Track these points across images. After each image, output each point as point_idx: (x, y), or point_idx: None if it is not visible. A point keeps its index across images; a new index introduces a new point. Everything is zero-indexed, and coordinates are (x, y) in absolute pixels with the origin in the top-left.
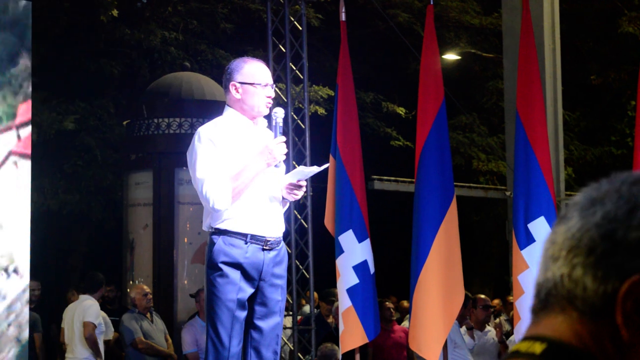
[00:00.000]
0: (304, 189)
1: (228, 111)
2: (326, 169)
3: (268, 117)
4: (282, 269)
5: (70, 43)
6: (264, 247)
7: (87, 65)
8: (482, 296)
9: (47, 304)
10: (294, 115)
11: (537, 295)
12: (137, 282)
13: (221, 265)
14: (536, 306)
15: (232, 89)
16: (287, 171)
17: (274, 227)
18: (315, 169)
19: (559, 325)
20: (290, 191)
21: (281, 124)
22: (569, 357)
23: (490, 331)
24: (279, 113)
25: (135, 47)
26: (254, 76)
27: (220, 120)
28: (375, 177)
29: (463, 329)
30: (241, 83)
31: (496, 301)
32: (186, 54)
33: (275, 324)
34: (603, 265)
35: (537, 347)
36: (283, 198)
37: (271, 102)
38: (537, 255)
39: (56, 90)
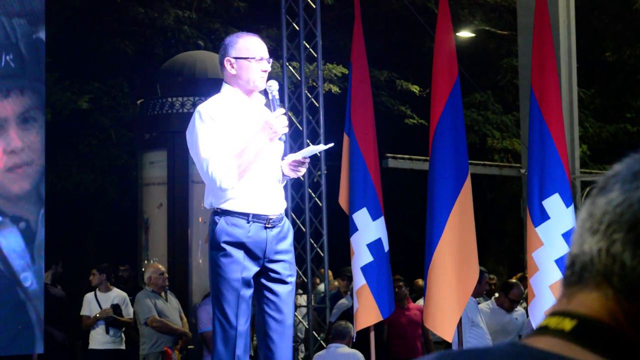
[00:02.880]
0: (307, 165)
1: (225, 87)
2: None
3: (265, 93)
4: (286, 244)
5: (83, 23)
6: (266, 226)
7: (101, 45)
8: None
9: (62, 283)
10: (308, 94)
11: (570, 266)
12: (151, 261)
13: (224, 245)
14: (569, 278)
15: (227, 64)
16: (287, 145)
17: (276, 204)
18: (321, 147)
19: (592, 302)
20: (294, 167)
21: (277, 97)
22: (601, 335)
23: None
24: (274, 86)
25: (148, 26)
26: (247, 50)
27: (218, 97)
28: (389, 155)
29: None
30: (235, 58)
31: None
32: (200, 32)
33: (286, 295)
34: None
35: (567, 324)
36: (283, 175)
37: (266, 76)
38: (552, 232)
39: (70, 70)
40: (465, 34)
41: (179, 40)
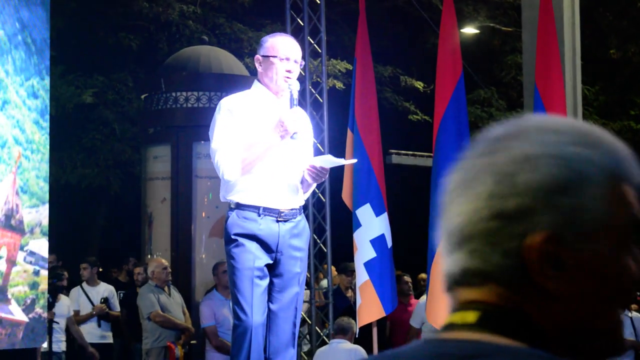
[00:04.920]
0: (326, 175)
1: (255, 85)
2: (343, 143)
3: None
4: (301, 242)
5: (88, 17)
6: (279, 219)
7: (106, 39)
8: None
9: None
10: (312, 89)
11: (450, 275)
12: (155, 255)
13: (236, 237)
14: (457, 281)
15: (256, 63)
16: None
17: (288, 198)
18: (343, 161)
19: (485, 294)
20: (312, 174)
21: (296, 96)
22: (506, 318)
23: None
24: (294, 85)
25: (153, 21)
26: (273, 49)
27: (244, 92)
28: (393, 151)
29: None
30: (263, 56)
31: None
32: (204, 27)
33: (293, 296)
34: (501, 240)
35: (470, 316)
36: (304, 179)
37: (290, 76)
38: None
39: (74, 64)
40: (469, 30)
41: (184, 35)
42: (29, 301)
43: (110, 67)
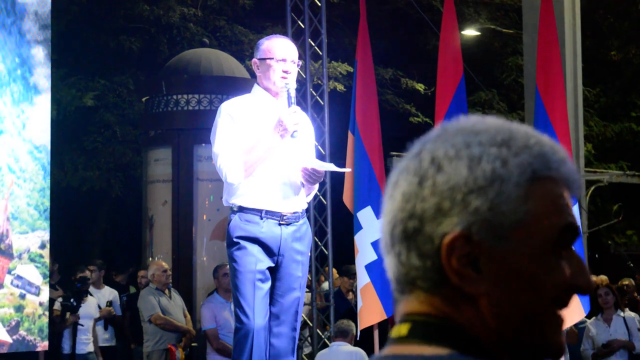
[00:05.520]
0: (320, 179)
1: (255, 88)
2: (344, 146)
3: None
4: (303, 245)
5: (89, 20)
6: (281, 222)
7: (107, 42)
8: None
9: (67, 280)
10: (313, 92)
11: (392, 283)
12: (156, 258)
13: (238, 240)
14: (395, 293)
15: (254, 67)
16: (313, 147)
17: (291, 202)
18: (335, 168)
19: (416, 304)
20: (305, 175)
21: (293, 95)
22: (432, 328)
23: None
24: (291, 84)
25: (154, 24)
26: (269, 51)
27: (244, 96)
28: (394, 153)
29: None
30: (259, 59)
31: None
32: (205, 30)
33: (294, 299)
34: (418, 242)
35: (403, 329)
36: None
37: (286, 76)
38: None
39: (75, 67)
40: (470, 32)
41: (185, 37)
42: (13, 323)
43: (111, 70)
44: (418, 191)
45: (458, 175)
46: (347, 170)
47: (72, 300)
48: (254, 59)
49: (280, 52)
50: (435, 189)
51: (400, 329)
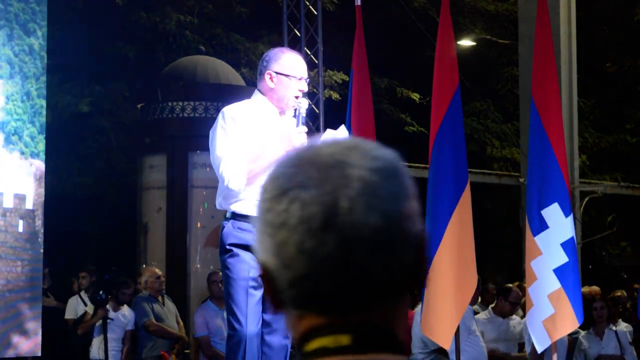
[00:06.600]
0: None
1: (257, 96)
2: None
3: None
4: None
5: (85, 26)
6: None
7: (102, 49)
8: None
9: (59, 286)
10: (309, 100)
11: None
12: (150, 265)
13: (230, 247)
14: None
15: (267, 77)
16: None
17: None
18: None
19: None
20: None
21: (304, 115)
22: (377, 333)
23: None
24: (303, 103)
25: (150, 31)
26: (292, 68)
27: (246, 102)
28: None
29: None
30: (277, 73)
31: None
32: (201, 37)
33: None
34: None
35: (344, 339)
36: None
37: (300, 95)
38: (551, 241)
39: (71, 73)
40: (466, 42)
41: (181, 45)
42: None
43: (106, 77)
44: None
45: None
46: None
47: (101, 292)
48: (269, 71)
49: (300, 70)
50: None
51: (339, 339)
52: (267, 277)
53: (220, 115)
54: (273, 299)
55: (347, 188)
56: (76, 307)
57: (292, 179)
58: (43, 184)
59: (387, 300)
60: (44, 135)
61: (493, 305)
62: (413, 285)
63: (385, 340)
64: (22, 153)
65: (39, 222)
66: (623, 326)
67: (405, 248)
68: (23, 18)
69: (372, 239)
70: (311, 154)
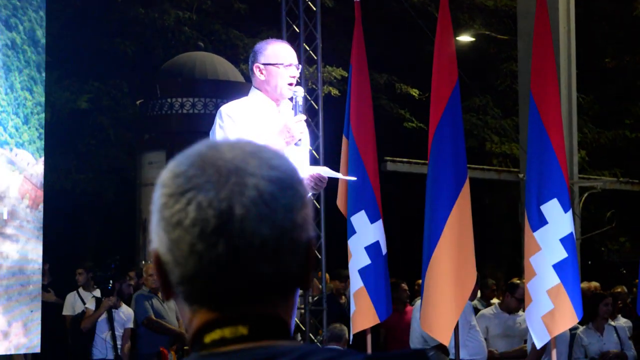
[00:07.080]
0: (324, 185)
1: (253, 92)
2: (338, 150)
3: (290, 98)
4: None
5: (84, 22)
6: None
7: (101, 45)
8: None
9: (59, 283)
10: (307, 96)
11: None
12: (149, 261)
13: None
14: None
15: (256, 71)
16: (310, 153)
17: None
18: (339, 175)
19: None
20: (311, 182)
21: (301, 103)
22: (271, 323)
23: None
24: (299, 92)
25: (149, 27)
26: (277, 56)
27: (243, 100)
28: (388, 158)
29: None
30: (264, 64)
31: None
32: (200, 34)
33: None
34: None
35: (242, 329)
36: None
37: (294, 82)
38: (550, 237)
39: (70, 70)
40: (465, 38)
41: (179, 41)
42: None
43: (105, 73)
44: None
45: None
46: (352, 178)
47: (111, 282)
48: (257, 64)
49: (287, 57)
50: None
51: (237, 330)
52: (160, 268)
53: (217, 115)
54: (164, 289)
55: (243, 196)
56: (74, 303)
57: (191, 179)
58: (31, 176)
59: (277, 295)
60: (29, 126)
61: (499, 301)
62: (299, 287)
63: (278, 329)
64: (7, 144)
65: (39, 215)
66: (622, 322)
67: (293, 257)
68: (4, 13)
69: (260, 248)
70: (213, 155)
